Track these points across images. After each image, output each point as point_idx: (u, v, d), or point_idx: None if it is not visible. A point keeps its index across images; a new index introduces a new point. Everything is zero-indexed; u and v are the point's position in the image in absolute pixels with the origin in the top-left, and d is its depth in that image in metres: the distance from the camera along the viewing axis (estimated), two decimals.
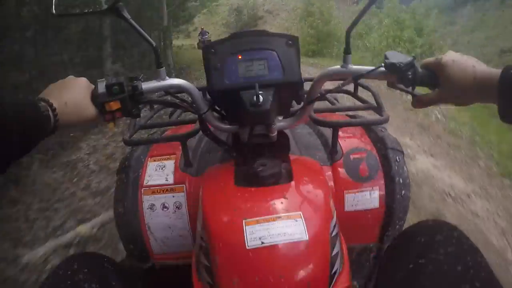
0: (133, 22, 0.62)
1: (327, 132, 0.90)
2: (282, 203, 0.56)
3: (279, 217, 0.53)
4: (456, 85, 0.55)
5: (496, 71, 0.52)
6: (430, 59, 0.60)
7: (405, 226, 0.81)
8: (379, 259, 0.87)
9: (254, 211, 0.55)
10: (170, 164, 0.85)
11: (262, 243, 0.50)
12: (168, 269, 0.85)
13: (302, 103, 0.68)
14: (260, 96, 0.55)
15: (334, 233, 0.57)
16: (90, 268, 0.63)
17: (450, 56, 0.57)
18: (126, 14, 0.61)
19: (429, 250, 0.59)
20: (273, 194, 0.59)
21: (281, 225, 0.52)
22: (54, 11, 0.64)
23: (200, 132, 0.78)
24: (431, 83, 0.60)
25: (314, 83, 0.66)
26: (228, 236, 0.53)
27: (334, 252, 0.55)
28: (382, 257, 0.77)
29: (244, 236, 0.51)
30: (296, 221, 0.52)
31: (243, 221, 0.53)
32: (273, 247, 0.50)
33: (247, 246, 0.50)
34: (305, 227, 0.52)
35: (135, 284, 0.72)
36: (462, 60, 0.56)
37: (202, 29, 14.09)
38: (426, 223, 0.69)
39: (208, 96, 0.66)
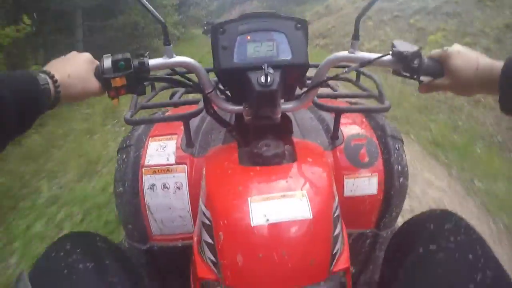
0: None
1: (329, 117, 0.91)
2: (286, 182, 0.57)
3: (284, 196, 0.54)
4: (460, 75, 0.58)
5: (499, 63, 0.53)
6: (437, 50, 0.62)
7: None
8: (378, 245, 0.88)
9: (259, 190, 0.55)
10: (171, 144, 0.84)
11: (267, 220, 0.51)
12: (166, 251, 0.85)
13: (308, 86, 0.68)
14: (269, 76, 0.56)
15: (336, 214, 0.58)
16: (83, 248, 0.61)
17: (456, 48, 0.59)
18: None
19: (439, 237, 0.59)
20: (278, 174, 0.59)
21: (286, 203, 0.53)
22: None
23: (202, 113, 0.78)
24: (435, 73, 0.61)
25: (321, 67, 0.66)
26: (234, 213, 0.53)
27: (336, 232, 0.56)
28: (388, 243, 0.78)
29: (249, 214, 0.51)
30: (301, 200, 0.53)
31: (249, 199, 0.53)
32: (277, 225, 0.51)
33: (252, 223, 0.50)
34: (309, 206, 0.52)
35: (131, 263, 0.71)
36: (466, 52, 0.58)
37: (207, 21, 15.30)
38: (434, 212, 0.70)
39: (213, 78, 0.66)
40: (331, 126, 0.85)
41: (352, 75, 1.00)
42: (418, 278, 0.57)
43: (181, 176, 0.79)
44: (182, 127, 0.82)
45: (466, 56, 0.58)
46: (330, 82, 1.00)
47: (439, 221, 0.64)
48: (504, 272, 0.53)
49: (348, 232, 0.82)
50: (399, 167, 0.82)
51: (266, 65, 0.56)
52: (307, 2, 14.72)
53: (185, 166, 0.80)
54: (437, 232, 0.61)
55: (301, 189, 0.55)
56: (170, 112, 1.01)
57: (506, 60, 0.53)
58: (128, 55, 0.58)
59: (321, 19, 10.62)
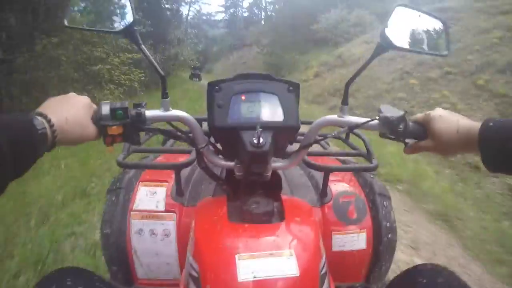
0: (144, 48, 0.64)
1: (318, 174, 0.93)
2: (274, 240, 0.58)
3: (272, 254, 0.55)
4: (442, 137, 0.61)
5: (477, 125, 0.57)
6: (420, 114, 0.66)
7: None
8: None
9: (247, 247, 0.56)
10: (161, 191, 0.86)
11: (255, 277, 0.51)
12: None
13: (298, 147, 0.71)
14: (261, 138, 0.57)
15: (323, 271, 0.58)
16: (74, 284, 0.62)
17: (438, 112, 0.63)
18: (139, 39, 0.63)
19: None
20: (266, 232, 0.61)
21: (273, 262, 0.53)
22: (66, 22, 0.66)
23: (194, 162, 0.80)
24: (420, 136, 0.65)
25: (311, 129, 0.70)
26: (221, 268, 0.54)
27: None
28: None
29: (236, 270, 0.52)
30: (288, 258, 0.54)
31: (236, 255, 0.54)
32: (264, 281, 0.51)
33: (238, 279, 0.51)
34: (296, 264, 0.53)
35: None
36: (448, 116, 0.62)
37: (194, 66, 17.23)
38: (425, 266, 0.71)
39: (205, 128, 0.68)
40: (320, 183, 0.87)
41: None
42: None
43: (169, 224, 0.81)
44: (173, 175, 0.84)
45: (447, 120, 0.61)
46: None
47: (431, 276, 0.66)
48: None
49: (338, 286, 0.83)
50: (387, 224, 0.84)
51: (258, 127, 0.58)
52: (310, 51, 13.74)
53: (174, 214, 0.81)
54: (430, 287, 0.63)
55: (289, 248, 0.56)
56: (162, 158, 1.03)
57: (483, 121, 0.56)
58: (126, 104, 0.59)
59: (333, 71, 9.39)
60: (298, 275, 0.52)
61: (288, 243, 0.58)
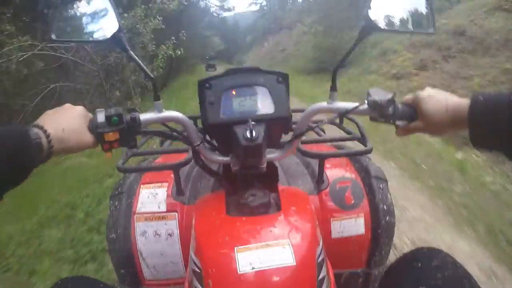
0: (132, 54, 0.65)
1: (314, 162, 0.94)
2: (271, 231, 0.59)
3: (268, 245, 0.56)
4: (431, 117, 0.61)
5: (465, 101, 0.56)
6: (409, 96, 0.66)
7: None
8: (371, 283, 0.89)
9: (245, 239, 0.58)
10: (162, 192, 0.87)
11: (253, 268, 0.53)
12: None
13: (291, 136, 0.72)
14: (253, 131, 0.58)
15: (320, 259, 0.59)
16: None
17: (426, 92, 0.63)
18: (126, 45, 0.64)
19: (428, 277, 0.61)
20: (263, 223, 0.62)
21: (270, 252, 0.55)
22: (53, 36, 0.66)
23: (192, 161, 0.81)
24: (410, 117, 0.65)
25: (302, 117, 0.70)
26: (221, 262, 0.56)
27: (321, 276, 0.58)
28: (378, 283, 0.80)
29: (236, 262, 0.54)
30: (284, 248, 0.55)
31: (235, 248, 0.56)
32: (263, 272, 0.53)
33: (238, 271, 0.53)
34: (293, 253, 0.55)
35: None
36: (436, 95, 0.61)
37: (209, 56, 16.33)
38: (421, 250, 0.72)
39: (199, 126, 0.69)
40: (317, 170, 0.88)
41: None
42: None
43: (172, 224, 0.83)
44: (172, 175, 0.85)
45: (436, 99, 0.61)
46: None
47: (426, 260, 0.66)
48: None
49: (339, 272, 0.84)
50: (385, 207, 0.84)
51: (250, 120, 0.59)
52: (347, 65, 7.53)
53: (176, 213, 0.83)
54: (426, 271, 0.64)
55: (285, 238, 0.57)
56: (160, 159, 1.05)
57: (472, 97, 0.55)
58: (120, 110, 0.61)
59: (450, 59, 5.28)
60: (294, 264, 0.54)
61: (284, 233, 0.59)
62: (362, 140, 0.90)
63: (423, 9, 0.71)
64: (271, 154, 0.72)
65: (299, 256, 0.55)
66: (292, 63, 13.39)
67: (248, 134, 0.58)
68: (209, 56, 16.08)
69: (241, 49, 30.81)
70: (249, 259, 0.54)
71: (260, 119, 0.62)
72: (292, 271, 0.53)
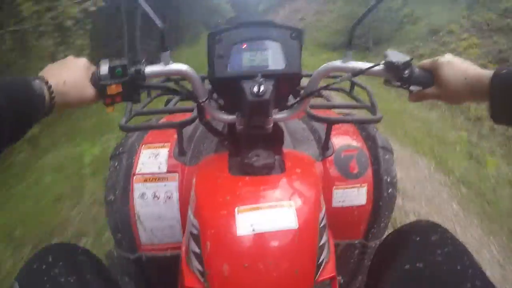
0: (142, 1, 0.60)
1: (321, 128, 0.91)
2: (274, 192, 0.58)
3: (271, 206, 0.54)
4: (449, 84, 0.59)
5: (488, 72, 0.54)
6: (428, 60, 0.63)
7: None
8: (367, 256, 0.88)
9: (246, 199, 0.56)
10: (164, 152, 0.84)
11: (253, 230, 0.51)
12: (154, 260, 0.85)
13: (300, 96, 0.68)
14: (261, 86, 0.56)
15: (322, 224, 0.58)
16: (65, 260, 0.61)
17: (446, 58, 0.60)
18: None
19: (426, 252, 0.60)
20: (266, 184, 0.60)
21: (273, 214, 0.53)
22: None
23: (196, 121, 0.78)
24: (425, 83, 0.62)
25: (314, 76, 0.66)
26: (220, 222, 0.53)
27: (322, 242, 0.57)
28: (373, 254, 0.79)
29: (235, 223, 0.52)
30: (287, 210, 0.53)
31: (236, 208, 0.54)
32: (263, 235, 0.51)
33: (238, 233, 0.51)
34: (296, 216, 0.53)
35: (112, 278, 0.71)
36: (457, 62, 0.59)
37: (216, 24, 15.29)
38: (419, 223, 0.70)
39: (207, 86, 0.66)
40: (323, 137, 0.85)
41: (346, 85, 1.00)
42: None
43: (172, 185, 0.80)
44: (176, 136, 0.82)
45: (455, 66, 0.59)
46: (324, 92, 0.98)
47: (425, 234, 0.64)
48: (490, 283, 0.54)
49: (336, 243, 0.83)
50: (388, 178, 0.82)
51: (260, 75, 0.57)
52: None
53: (177, 174, 0.80)
54: (424, 246, 0.62)
55: (288, 200, 0.56)
56: (165, 119, 1.01)
57: (495, 70, 0.53)
58: (125, 61, 0.58)
59: None
60: (296, 227, 0.52)
61: (288, 195, 0.57)
62: (372, 109, 0.86)
63: None
64: (278, 115, 0.69)
65: (302, 220, 0.53)
66: (313, 35, 11.30)
67: (255, 89, 0.55)
68: (215, 25, 15.20)
69: (252, 17, 29.52)
70: (250, 220, 0.52)
71: (270, 75, 0.59)
72: (294, 235, 0.52)
